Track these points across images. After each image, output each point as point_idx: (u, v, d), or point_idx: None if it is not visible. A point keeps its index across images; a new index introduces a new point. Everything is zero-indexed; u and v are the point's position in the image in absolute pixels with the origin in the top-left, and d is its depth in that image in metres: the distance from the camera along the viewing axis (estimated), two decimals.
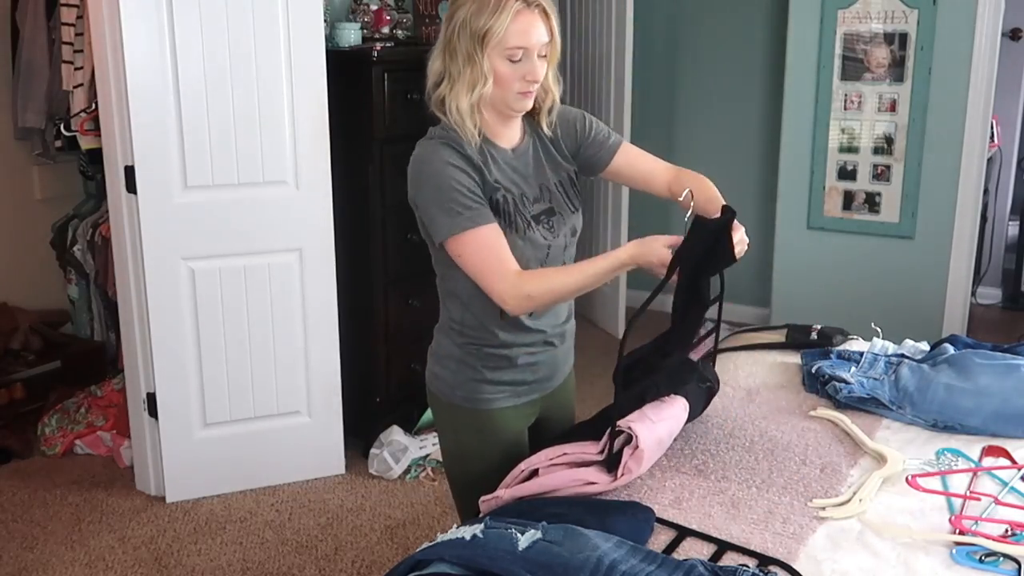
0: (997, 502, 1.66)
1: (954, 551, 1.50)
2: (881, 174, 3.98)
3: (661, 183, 1.97)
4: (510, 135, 1.85)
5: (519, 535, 1.46)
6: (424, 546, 1.49)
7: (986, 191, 4.26)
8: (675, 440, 1.94)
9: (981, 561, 1.48)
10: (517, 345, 1.87)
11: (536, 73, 1.73)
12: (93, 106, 3.31)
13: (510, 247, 1.75)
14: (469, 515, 1.96)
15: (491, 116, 1.80)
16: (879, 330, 2.36)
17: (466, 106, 1.74)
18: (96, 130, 3.28)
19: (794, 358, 2.35)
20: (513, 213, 1.79)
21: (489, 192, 1.77)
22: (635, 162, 1.97)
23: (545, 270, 1.79)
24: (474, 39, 1.70)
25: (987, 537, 1.52)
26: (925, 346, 2.33)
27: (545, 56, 1.76)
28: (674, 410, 1.85)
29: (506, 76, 1.72)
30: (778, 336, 2.52)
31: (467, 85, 1.73)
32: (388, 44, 3.43)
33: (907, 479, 1.73)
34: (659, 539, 1.58)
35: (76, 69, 3.42)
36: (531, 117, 1.88)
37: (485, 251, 1.71)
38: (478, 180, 1.75)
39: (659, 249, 1.69)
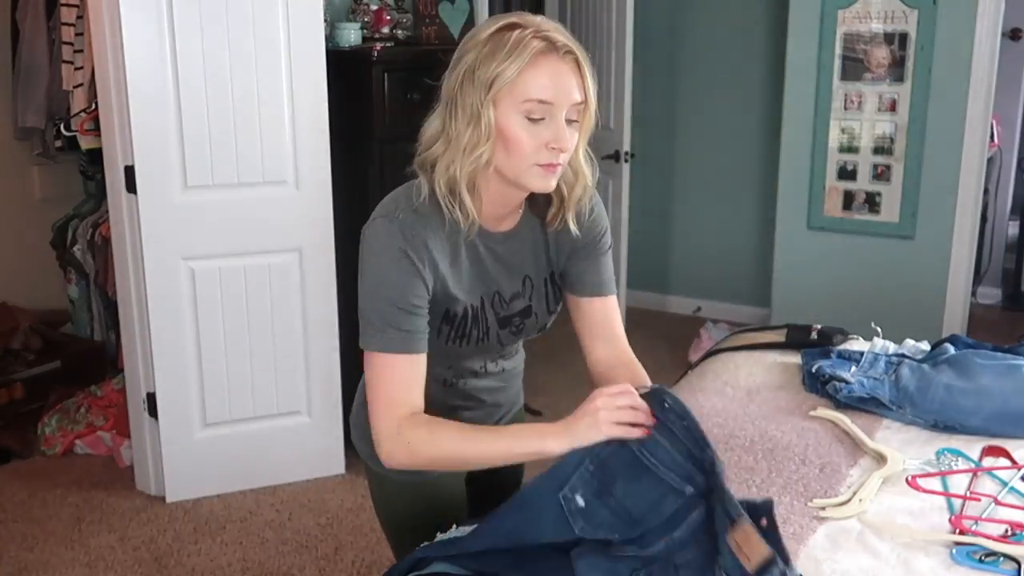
0: (997, 502, 1.65)
1: (954, 551, 1.50)
2: (881, 174, 3.98)
3: (601, 353, 1.63)
4: (510, 219, 1.52)
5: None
6: (424, 545, 1.49)
7: (986, 191, 4.26)
8: None
9: (981, 561, 1.48)
10: (457, 409, 1.63)
11: (563, 139, 1.35)
12: (93, 106, 3.31)
13: (449, 353, 1.52)
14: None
15: (495, 196, 1.45)
16: (879, 330, 2.35)
17: (460, 174, 1.38)
18: (96, 130, 3.28)
19: (794, 358, 2.35)
20: (469, 326, 1.51)
21: (444, 303, 1.47)
22: (602, 316, 1.62)
23: (442, 423, 1.42)
24: (481, 87, 1.34)
25: (987, 537, 1.52)
26: (925, 346, 2.33)
27: (576, 122, 1.39)
28: None
29: (520, 140, 1.35)
30: (778, 336, 2.51)
31: (466, 147, 1.37)
32: (388, 44, 3.43)
33: (907, 479, 1.73)
34: None
35: (76, 69, 3.42)
36: (543, 209, 1.53)
37: (387, 382, 1.41)
38: (429, 288, 1.43)
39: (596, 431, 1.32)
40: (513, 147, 1.36)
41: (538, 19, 1.38)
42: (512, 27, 1.35)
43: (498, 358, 1.67)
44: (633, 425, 1.33)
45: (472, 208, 1.42)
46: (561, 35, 1.37)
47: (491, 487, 1.66)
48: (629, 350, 1.65)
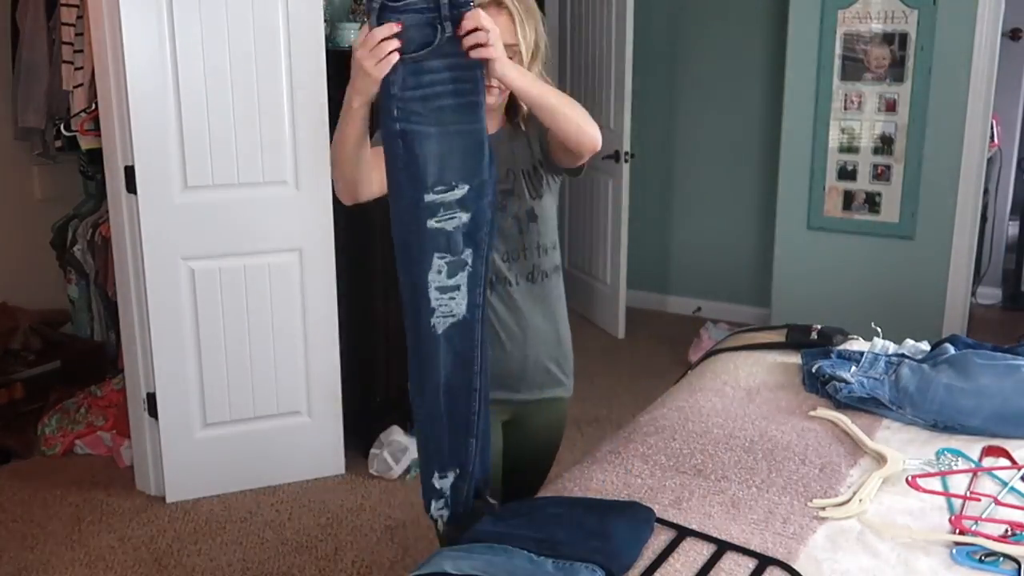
0: (997, 502, 1.66)
1: (954, 551, 1.50)
2: (881, 174, 3.98)
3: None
4: (493, 126, 1.83)
5: None
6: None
7: (986, 191, 4.26)
8: (675, 440, 1.95)
9: (981, 561, 1.48)
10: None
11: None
12: (93, 106, 3.31)
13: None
14: None
15: None
16: (879, 330, 2.36)
17: None
18: (96, 130, 3.28)
19: (794, 358, 2.35)
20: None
21: None
22: None
23: None
24: None
25: (987, 537, 1.52)
26: (925, 346, 2.33)
27: (511, 60, 1.67)
28: None
29: None
30: (778, 336, 2.52)
31: None
32: None
33: (907, 479, 1.73)
34: (659, 539, 1.58)
35: (76, 69, 3.42)
36: (513, 112, 1.90)
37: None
38: None
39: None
40: None
41: None
42: None
43: (515, 269, 1.89)
44: (390, 53, 1.52)
45: None
46: None
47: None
48: None
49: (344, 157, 1.75)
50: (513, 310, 1.90)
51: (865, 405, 2.06)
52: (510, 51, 1.70)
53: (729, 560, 1.51)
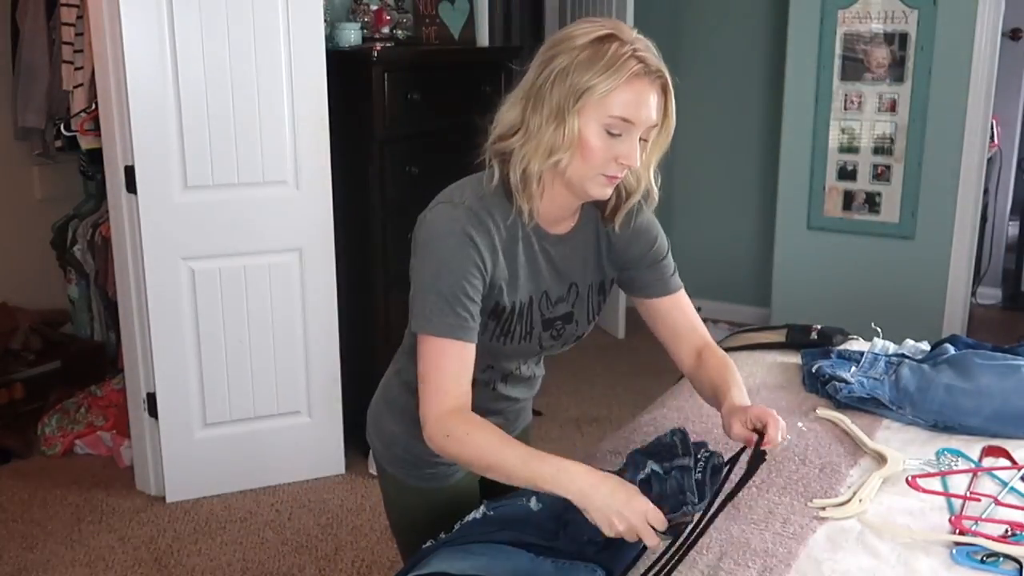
0: (997, 502, 1.65)
1: (954, 551, 1.50)
2: (881, 174, 3.98)
3: (685, 350, 1.70)
4: (566, 222, 1.56)
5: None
6: (427, 545, 1.49)
7: (986, 191, 4.26)
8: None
9: (982, 561, 1.48)
10: (485, 414, 1.58)
11: (633, 157, 1.42)
12: (93, 106, 3.31)
13: (491, 351, 1.54)
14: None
15: (555, 196, 1.49)
16: (879, 330, 2.35)
17: (535, 169, 1.43)
18: (96, 130, 3.28)
19: (794, 358, 2.35)
20: (515, 322, 1.54)
21: (495, 296, 1.50)
22: (676, 313, 1.69)
23: (485, 426, 1.43)
24: (572, 93, 1.38)
25: (987, 537, 1.52)
26: (925, 346, 2.33)
27: (647, 140, 1.46)
28: None
29: (596, 150, 1.40)
30: (778, 336, 2.52)
31: (545, 146, 1.41)
32: (388, 44, 3.43)
33: (907, 479, 1.73)
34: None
35: (76, 69, 3.42)
36: (601, 205, 1.57)
37: (442, 367, 1.43)
38: (488, 274, 1.46)
39: (640, 511, 1.31)
40: (588, 155, 1.41)
41: (634, 34, 1.43)
42: (611, 39, 1.40)
43: (531, 363, 1.72)
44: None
45: (538, 202, 1.48)
46: (654, 57, 1.42)
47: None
48: (708, 336, 1.71)
49: (470, 466, 1.47)
50: (518, 387, 1.74)
51: (865, 405, 2.06)
52: (650, 133, 1.45)
53: (728, 560, 1.51)
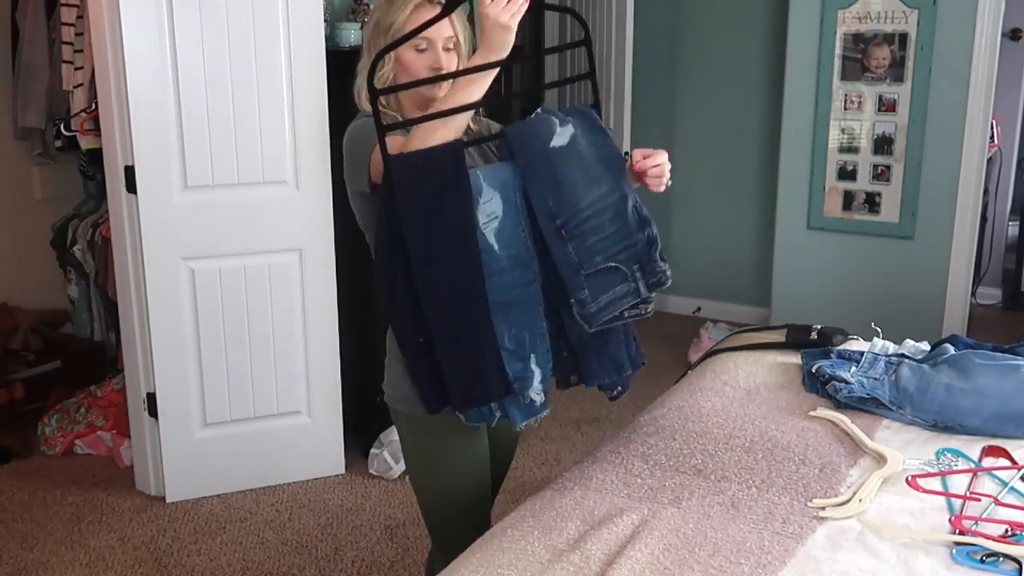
0: (997, 502, 1.66)
1: (954, 551, 1.50)
2: (881, 174, 3.98)
3: None
4: None
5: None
6: None
7: (986, 191, 4.26)
8: (675, 440, 1.95)
9: (982, 561, 1.48)
10: None
11: (440, 62, 1.79)
12: (93, 106, 3.31)
13: None
14: (442, 534, 1.98)
15: (413, 107, 1.85)
16: (879, 330, 2.36)
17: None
18: (96, 130, 3.28)
19: (794, 358, 2.35)
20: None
21: None
22: None
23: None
24: (383, 35, 1.81)
25: (987, 537, 1.52)
26: (925, 346, 2.33)
27: (452, 50, 1.82)
28: None
29: (411, 63, 1.80)
30: (778, 336, 2.52)
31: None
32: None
33: (907, 479, 1.73)
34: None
35: (76, 69, 3.42)
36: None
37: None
38: None
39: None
40: (407, 69, 1.80)
41: None
42: None
43: None
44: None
45: (393, 112, 1.85)
46: None
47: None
48: None
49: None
50: None
51: (865, 405, 2.06)
52: (450, 43, 1.81)
53: (720, 557, 1.51)
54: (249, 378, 3.19)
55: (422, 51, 1.80)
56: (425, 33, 1.74)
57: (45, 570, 2.82)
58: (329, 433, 3.34)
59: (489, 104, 1.81)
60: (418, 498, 2.01)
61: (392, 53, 1.78)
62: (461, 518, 1.92)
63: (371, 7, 3.53)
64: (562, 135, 1.72)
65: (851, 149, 4.01)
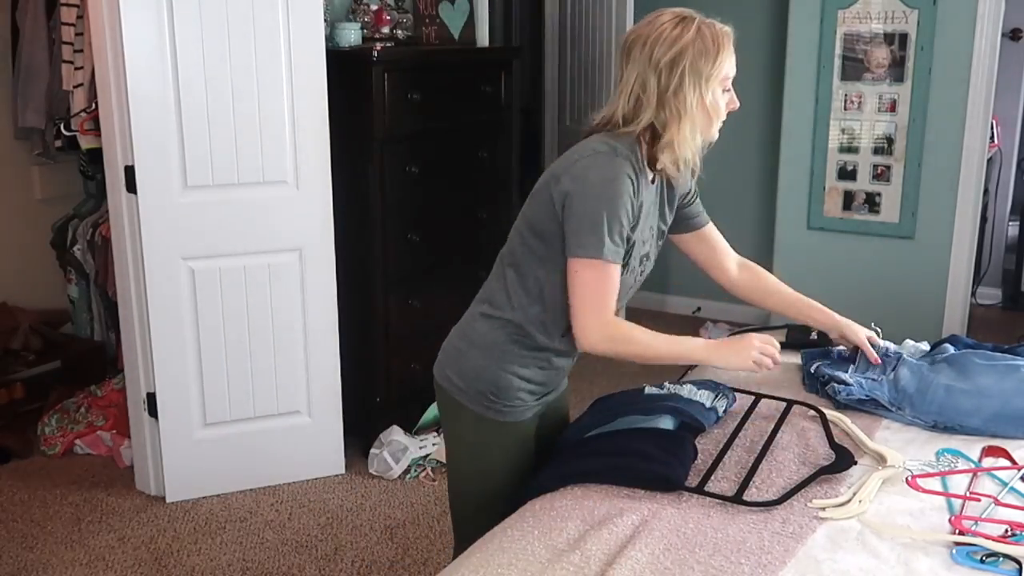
0: (997, 502, 1.66)
1: (954, 551, 1.50)
2: (881, 174, 3.98)
3: (730, 264, 2.17)
4: (650, 175, 1.87)
5: None
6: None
7: (986, 191, 4.26)
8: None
9: (982, 561, 1.48)
10: (561, 354, 1.92)
11: (735, 101, 1.84)
12: (93, 106, 3.31)
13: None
14: (463, 517, 1.99)
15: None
16: (879, 330, 2.35)
17: (697, 146, 1.81)
18: (96, 130, 3.28)
19: (794, 358, 2.35)
20: (634, 254, 1.83)
21: (632, 229, 1.79)
22: (716, 235, 2.15)
23: (636, 326, 1.84)
24: (702, 83, 1.76)
25: (987, 537, 1.52)
26: (925, 346, 2.33)
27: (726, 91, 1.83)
28: None
29: (720, 109, 1.80)
30: (778, 336, 2.51)
31: (701, 126, 1.79)
32: (388, 44, 3.43)
33: (907, 479, 1.73)
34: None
35: (76, 69, 3.42)
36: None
37: (602, 288, 1.75)
38: (634, 215, 1.77)
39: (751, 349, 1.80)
40: (716, 116, 1.80)
41: (689, 10, 1.81)
42: (691, 19, 1.79)
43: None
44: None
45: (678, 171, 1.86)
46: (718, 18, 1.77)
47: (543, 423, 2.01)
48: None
49: (633, 357, 1.85)
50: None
51: (864, 406, 2.06)
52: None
53: (720, 557, 1.51)
54: (249, 378, 3.20)
55: (727, 91, 1.82)
56: (727, 70, 1.79)
57: (45, 570, 2.82)
58: (329, 433, 3.34)
59: None
60: (451, 492, 2.02)
61: (709, 97, 1.76)
62: (494, 520, 1.89)
63: (371, 7, 3.53)
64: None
65: (851, 149, 4.01)
